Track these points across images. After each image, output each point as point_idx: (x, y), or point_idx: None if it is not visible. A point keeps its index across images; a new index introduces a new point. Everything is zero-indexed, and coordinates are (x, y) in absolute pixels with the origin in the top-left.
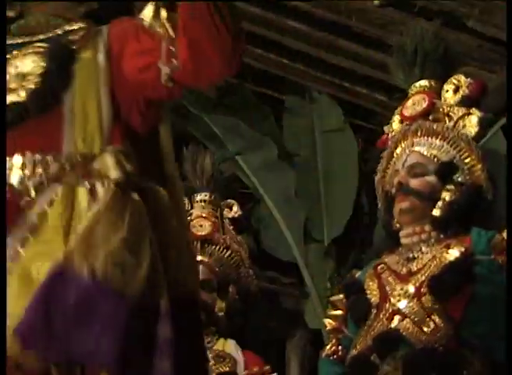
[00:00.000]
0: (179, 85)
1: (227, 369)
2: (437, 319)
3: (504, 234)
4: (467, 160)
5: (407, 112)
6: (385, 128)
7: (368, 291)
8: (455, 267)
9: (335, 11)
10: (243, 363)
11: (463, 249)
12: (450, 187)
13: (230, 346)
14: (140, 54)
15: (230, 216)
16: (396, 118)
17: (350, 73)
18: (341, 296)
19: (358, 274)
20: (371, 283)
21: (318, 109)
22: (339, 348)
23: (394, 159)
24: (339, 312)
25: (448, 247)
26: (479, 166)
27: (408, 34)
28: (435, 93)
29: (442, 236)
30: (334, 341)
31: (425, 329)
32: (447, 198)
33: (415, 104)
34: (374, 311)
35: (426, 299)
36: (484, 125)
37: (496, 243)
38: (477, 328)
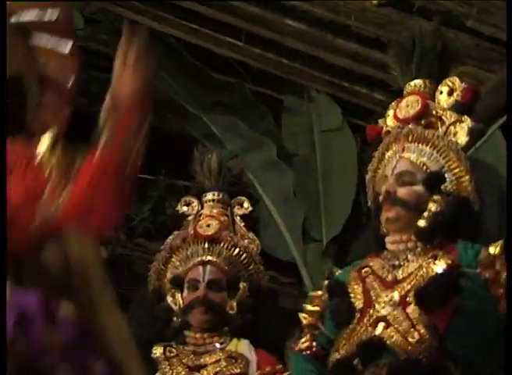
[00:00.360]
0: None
1: (238, 370)
2: (422, 330)
3: (491, 249)
4: (455, 170)
5: (400, 114)
6: (380, 121)
7: (352, 295)
8: (443, 280)
9: (333, 10)
10: (255, 363)
11: (449, 261)
12: (437, 197)
13: (243, 346)
14: (23, 193)
15: (241, 212)
16: (391, 112)
17: (348, 72)
18: (320, 292)
19: (339, 274)
20: (355, 287)
21: (317, 109)
22: (314, 344)
23: (385, 161)
24: (316, 308)
25: (435, 257)
26: (467, 177)
27: (406, 32)
28: (429, 94)
29: (428, 246)
30: (308, 336)
31: (410, 339)
32: (433, 209)
33: (409, 106)
34: (357, 315)
35: (412, 309)
36: (474, 135)
37: (483, 258)
38: (460, 340)
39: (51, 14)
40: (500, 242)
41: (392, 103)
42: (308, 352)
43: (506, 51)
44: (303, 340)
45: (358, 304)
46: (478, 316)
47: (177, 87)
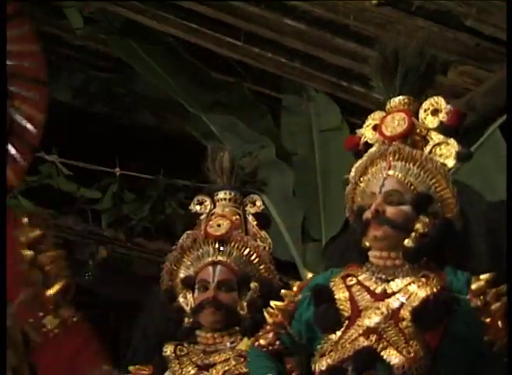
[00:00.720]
0: None
1: (247, 369)
2: (416, 347)
3: (482, 278)
4: (442, 193)
5: (386, 131)
6: (358, 131)
7: (339, 302)
8: (439, 301)
9: (332, 10)
10: None
11: (442, 283)
12: (424, 218)
13: None
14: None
15: (253, 211)
16: (370, 124)
17: (347, 71)
18: (292, 292)
19: (318, 278)
20: (341, 295)
21: (316, 108)
22: (277, 342)
23: (369, 176)
24: (287, 308)
25: (427, 277)
26: (453, 201)
27: (391, 47)
28: (414, 111)
29: (415, 266)
30: (272, 333)
31: (405, 354)
32: (420, 230)
33: (395, 123)
34: (345, 323)
35: (405, 325)
36: (461, 159)
37: (475, 286)
38: (450, 362)
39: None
40: (492, 274)
41: (372, 115)
42: (270, 349)
43: (505, 51)
44: (265, 336)
45: (345, 312)
46: (466, 341)
47: (176, 86)
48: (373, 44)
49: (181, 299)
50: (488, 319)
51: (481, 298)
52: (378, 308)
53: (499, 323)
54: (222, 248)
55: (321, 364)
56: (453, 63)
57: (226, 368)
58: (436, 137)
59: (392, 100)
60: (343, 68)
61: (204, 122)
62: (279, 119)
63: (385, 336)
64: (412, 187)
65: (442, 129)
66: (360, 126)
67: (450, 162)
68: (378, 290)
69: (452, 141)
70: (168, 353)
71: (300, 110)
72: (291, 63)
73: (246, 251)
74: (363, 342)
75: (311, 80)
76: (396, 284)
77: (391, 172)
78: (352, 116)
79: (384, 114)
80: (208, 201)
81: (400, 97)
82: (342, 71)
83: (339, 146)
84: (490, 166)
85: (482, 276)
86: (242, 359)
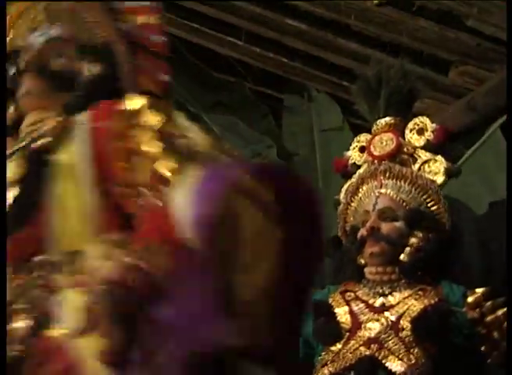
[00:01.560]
0: None
1: None
2: (417, 355)
3: (478, 292)
4: (433, 208)
5: (375, 151)
6: (347, 154)
7: (339, 316)
8: (437, 310)
9: (334, 10)
10: None
11: (439, 296)
12: (418, 233)
13: None
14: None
15: None
16: (357, 146)
17: (349, 71)
18: None
19: (315, 296)
20: (341, 309)
21: (317, 108)
22: None
23: (360, 195)
24: None
25: (424, 290)
26: (445, 215)
27: (374, 70)
28: (400, 131)
29: (411, 280)
30: None
31: (406, 361)
32: (415, 245)
33: (383, 143)
34: (346, 335)
35: (405, 334)
36: (450, 175)
37: (471, 299)
38: (448, 373)
39: None
40: (487, 288)
41: (358, 137)
42: None
43: (506, 51)
44: None
45: (346, 325)
46: (464, 352)
47: (177, 86)
48: (374, 44)
49: None
50: (484, 331)
51: (478, 310)
52: (377, 320)
53: (496, 334)
54: None
55: (323, 373)
56: (454, 63)
57: None
58: (424, 154)
59: (378, 122)
60: (344, 68)
61: (205, 122)
62: (280, 120)
63: (385, 345)
64: (404, 204)
65: (429, 147)
66: (361, 127)
67: (440, 179)
68: (377, 303)
69: (439, 157)
70: None
71: (302, 110)
72: (292, 63)
73: None
74: (364, 351)
75: (312, 80)
76: (394, 298)
77: (383, 190)
78: (353, 116)
79: (370, 136)
80: None
81: (387, 118)
82: (343, 71)
83: (340, 146)
84: (491, 165)
85: (478, 290)
86: None
